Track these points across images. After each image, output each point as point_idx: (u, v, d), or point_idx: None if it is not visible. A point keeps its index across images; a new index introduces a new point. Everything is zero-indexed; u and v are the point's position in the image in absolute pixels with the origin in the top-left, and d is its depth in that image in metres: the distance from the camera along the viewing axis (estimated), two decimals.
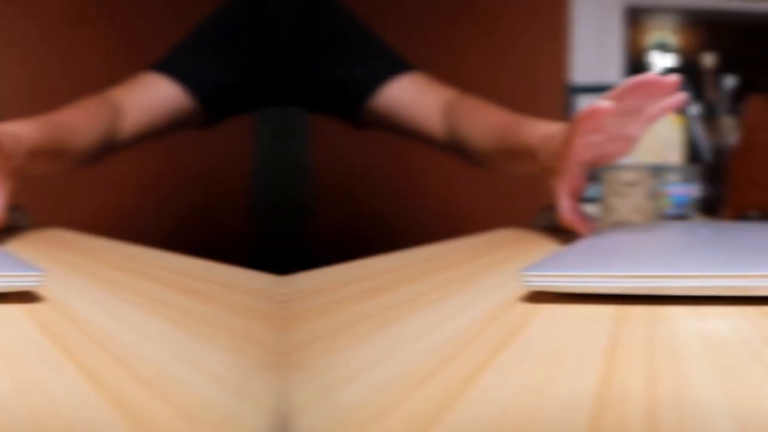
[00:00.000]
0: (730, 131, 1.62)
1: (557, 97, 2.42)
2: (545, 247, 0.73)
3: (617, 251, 0.53)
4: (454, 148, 1.15)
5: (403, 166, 2.48)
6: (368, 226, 2.50)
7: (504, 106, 2.48)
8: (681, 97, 0.79)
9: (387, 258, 0.62)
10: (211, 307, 0.35)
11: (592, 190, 1.46)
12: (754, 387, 0.20)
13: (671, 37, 2.84)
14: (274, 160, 2.26)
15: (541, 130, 0.88)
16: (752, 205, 1.30)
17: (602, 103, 0.70)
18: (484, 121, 1.06)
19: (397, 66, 1.17)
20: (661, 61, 2.85)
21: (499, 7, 2.47)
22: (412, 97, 1.15)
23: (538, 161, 0.87)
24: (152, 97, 1.12)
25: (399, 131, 1.21)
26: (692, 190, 1.29)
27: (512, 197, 2.38)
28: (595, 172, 1.46)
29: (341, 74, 1.15)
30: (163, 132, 1.16)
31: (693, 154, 1.70)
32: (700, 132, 1.72)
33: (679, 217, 1.27)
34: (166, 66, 1.15)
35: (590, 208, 1.25)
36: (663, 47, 2.84)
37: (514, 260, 0.59)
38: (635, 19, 2.73)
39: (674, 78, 0.73)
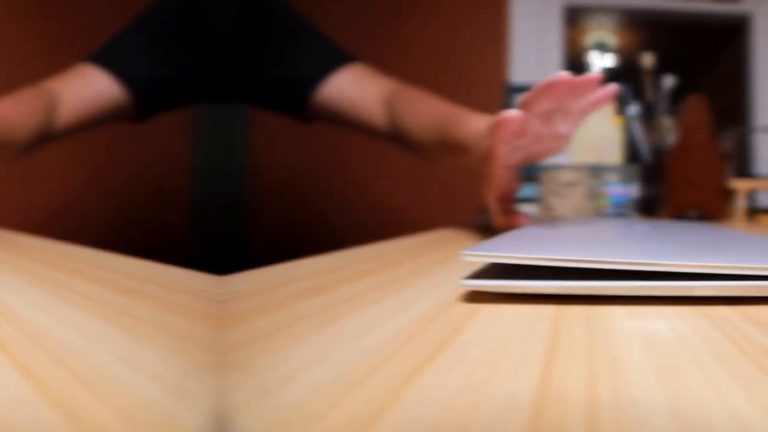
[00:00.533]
0: (669, 131, 1.66)
1: (496, 96, 2.45)
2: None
3: (558, 251, 0.54)
4: (396, 139, 1.16)
5: (344, 165, 2.49)
6: (308, 225, 2.49)
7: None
8: (609, 90, 0.77)
9: (326, 258, 0.61)
10: (150, 307, 0.35)
11: (531, 190, 1.47)
12: (693, 387, 0.20)
13: (610, 37, 2.89)
14: (213, 158, 2.25)
15: (475, 127, 0.87)
16: (690, 205, 1.33)
17: (511, 112, 0.69)
18: (424, 113, 1.06)
19: (338, 58, 1.17)
20: (600, 61, 2.90)
21: (438, 6, 2.49)
22: (353, 89, 1.16)
23: (471, 160, 0.87)
24: (87, 88, 1.09)
25: (343, 124, 1.22)
26: (631, 190, 1.31)
27: (453, 197, 2.40)
28: (534, 173, 1.48)
29: (284, 70, 1.15)
30: (97, 124, 1.14)
31: (632, 154, 1.73)
32: (639, 132, 1.75)
33: (618, 216, 1.29)
34: (102, 58, 1.13)
35: (529, 208, 1.27)
36: (602, 47, 2.88)
37: (454, 260, 0.59)
38: (574, 18, 2.77)
39: (594, 75, 0.72)
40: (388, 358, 0.24)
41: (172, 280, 0.46)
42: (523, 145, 0.75)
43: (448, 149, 0.98)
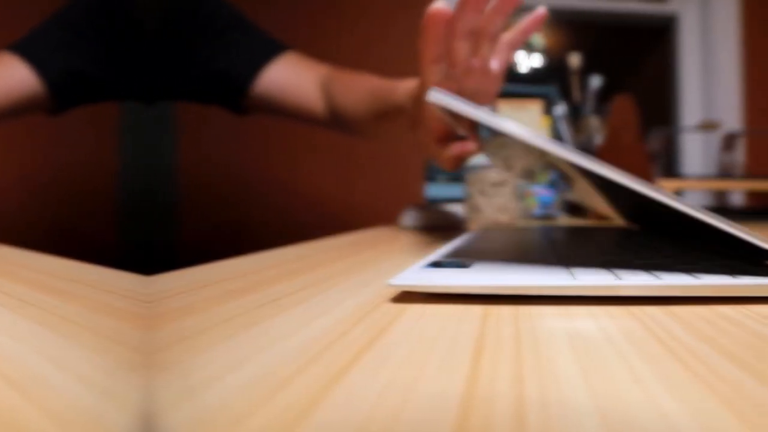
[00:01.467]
0: (596, 131, 1.69)
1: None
2: (412, 246, 0.74)
3: (483, 252, 0.54)
4: (335, 122, 1.17)
5: (272, 164, 2.47)
6: (236, 225, 2.47)
7: None
8: (536, 16, 0.81)
9: (253, 257, 0.61)
10: (77, 307, 0.35)
11: (458, 190, 1.49)
12: (620, 387, 0.20)
13: (537, 37, 2.93)
14: (139, 157, 2.23)
15: (407, 86, 0.89)
16: None
17: (437, 4, 0.72)
18: (358, 89, 1.08)
19: (273, 49, 1.18)
20: (528, 60, 2.94)
21: (367, 5, 2.49)
22: (290, 77, 1.17)
23: (408, 116, 0.88)
24: (3, 77, 1.07)
25: (282, 113, 1.22)
26: (558, 191, 1.33)
27: (383, 195, 2.41)
28: (461, 174, 1.49)
29: (219, 63, 1.15)
30: (12, 113, 1.11)
31: None
32: (566, 132, 1.78)
33: (545, 217, 1.31)
34: (19, 47, 1.11)
35: (456, 208, 1.28)
36: (529, 47, 2.92)
37: (382, 260, 0.60)
38: None
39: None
40: (315, 359, 0.24)
41: (99, 281, 0.46)
42: (454, 75, 0.75)
43: (385, 117, 0.99)
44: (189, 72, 1.15)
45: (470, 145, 0.80)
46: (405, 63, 2.46)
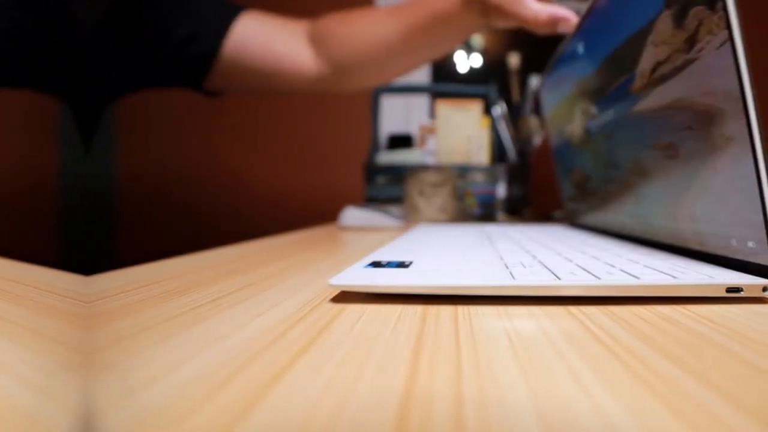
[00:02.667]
0: (535, 131, 1.71)
1: (365, 98, 2.47)
2: (352, 246, 0.74)
3: (423, 251, 0.54)
4: (341, 73, 1.07)
5: (214, 164, 2.45)
6: (177, 225, 2.45)
7: (316, 106, 2.49)
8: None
9: (192, 258, 0.61)
10: (16, 307, 0.35)
11: (397, 190, 1.49)
12: (559, 386, 0.20)
13: (477, 37, 2.95)
14: (79, 160, 2.20)
15: None
16: (556, 205, 1.37)
17: None
18: (375, 20, 1.03)
19: (237, 8, 1.08)
20: (467, 60, 2.96)
21: (307, 9, 2.49)
22: (265, 33, 1.06)
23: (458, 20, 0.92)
24: None
25: (259, 79, 1.09)
26: (497, 191, 1.34)
27: (322, 197, 2.41)
28: (400, 173, 1.49)
29: (182, 30, 1.04)
30: None
31: (498, 154, 1.77)
32: (506, 132, 1.80)
33: (485, 217, 1.31)
34: None
35: (395, 210, 1.28)
36: (468, 47, 2.94)
37: (322, 259, 0.59)
38: None
39: None
40: (254, 359, 0.24)
41: (39, 281, 0.45)
42: None
43: (425, 32, 0.98)
44: (151, 45, 1.05)
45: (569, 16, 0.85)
46: None
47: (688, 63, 0.40)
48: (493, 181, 1.33)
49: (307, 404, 0.19)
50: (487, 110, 1.79)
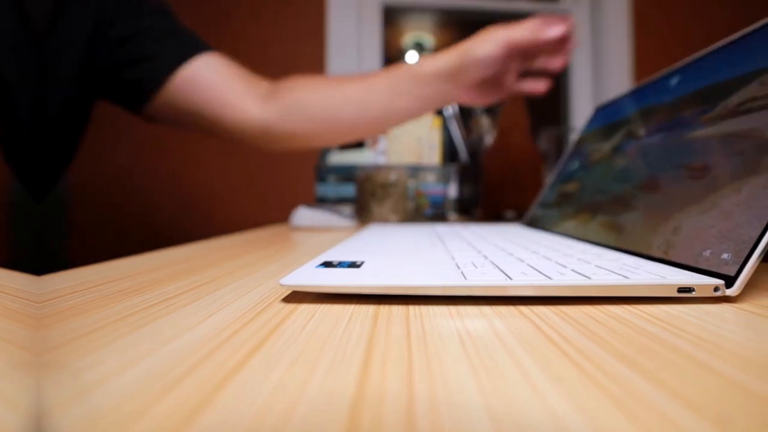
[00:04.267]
0: (487, 131, 1.71)
1: None
2: (304, 246, 0.74)
3: (375, 251, 0.54)
4: (283, 132, 1.06)
5: (164, 165, 2.43)
6: (128, 225, 2.43)
7: None
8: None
9: (144, 258, 0.61)
10: None
11: (349, 190, 1.48)
12: (510, 386, 0.21)
13: (428, 37, 2.96)
14: None
15: (437, 62, 0.99)
16: (508, 205, 1.38)
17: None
18: (351, 81, 1.05)
19: (198, 46, 1.07)
20: None
21: (262, 6, 2.48)
22: (219, 78, 1.04)
23: (450, 66, 0.98)
24: None
25: (197, 121, 1.07)
26: (449, 190, 1.35)
27: (273, 197, 2.40)
28: (351, 173, 1.49)
29: (137, 49, 1.02)
30: None
31: (450, 154, 1.78)
32: (457, 132, 1.81)
33: (437, 216, 1.32)
34: None
35: (346, 210, 1.28)
36: (420, 47, 2.95)
37: (273, 259, 0.59)
38: (392, 18, 2.82)
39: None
40: (204, 359, 0.24)
41: None
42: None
43: (404, 93, 1.02)
44: (101, 53, 1.03)
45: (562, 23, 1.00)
46: (295, 70, 2.47)
47: None
48: (445, 181, 1.33)
49: (258, 405, 0.19)
50: (439, 110, 1.79)
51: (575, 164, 0.83)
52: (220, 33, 2.46)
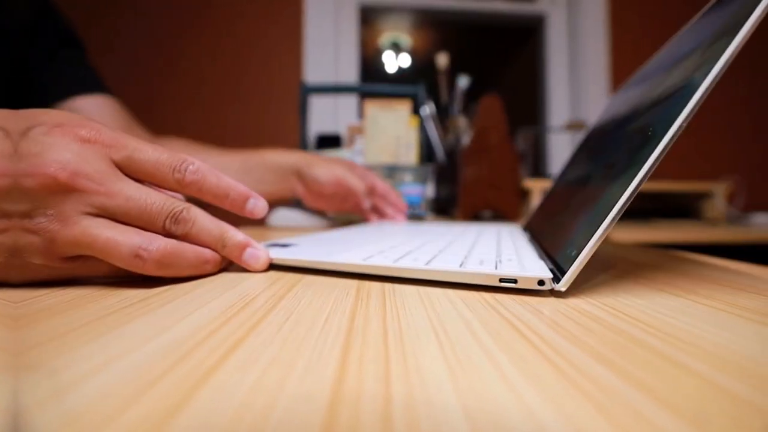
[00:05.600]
0: (464, 131, 1.72)
1: (294, 96, 2.46)
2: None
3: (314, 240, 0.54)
4: None
5: None
6: None
7: (245, 106, 2.47)
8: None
9: None
10: None
11: None
12: (486, 385, 0.20)
13: (405, 37, 2.96)
14: None
15: (288, 157, 1.16)
16: (485, 205, 1.38)
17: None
18: (214, 150, 1.17)
19: (97, 84, 1.07)
20: (395, 61, 2.97)
21: (241, 8, 2.48)
22: (100, 118, 1.03)
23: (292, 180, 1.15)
24: None
25: None
26: (426, 191, 1.35)
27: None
28: None
29: (33, 74, 1.02)
30: None
31: (427, 154, 1.78)
32: (434, 132, 1.81)
33: (413, 216, 1.32)
34: None
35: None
36: (397, 47, 2.95)
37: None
38: (369, 18, 2.82)
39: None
40: (182, 359, 0.24)
41: None
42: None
43: (252, 172, 1.15)
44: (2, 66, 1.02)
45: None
46: (273, 70, 2.46)
47: (677, 90, 0.40)
48: (422, 181, 1.33)
49: (236, 404, 0.19)
50: (416, 110, 1.79)
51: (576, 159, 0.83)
52: (197, 34, 2.45)
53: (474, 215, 1.40)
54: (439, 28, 2.96)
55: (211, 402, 0.19)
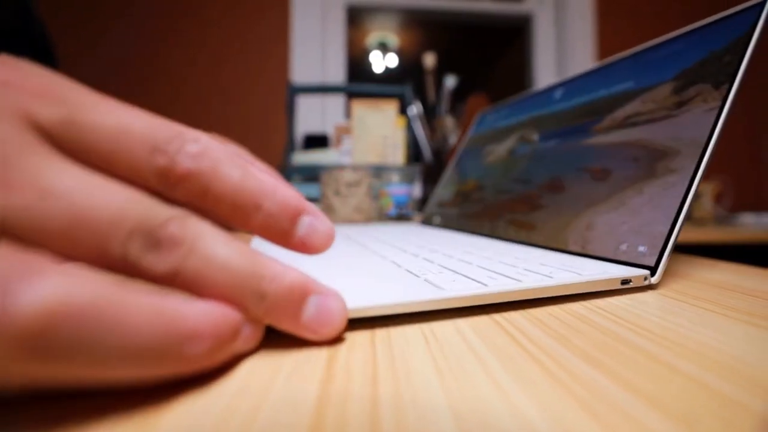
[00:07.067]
0: (451, 131, 1.72)
1: (281, 96, 2.46)
2: (268, 248, 0.73)
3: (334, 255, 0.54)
4: None
5: None
6: None
7: (232, 106, 2.47)
8: None
9: None
10: None
11: (313, 190, 1.48)
12: (475, 387, 0.20)
13: (392, 37, 2.96)
14: None
15: None
16: None
17: None
18: None
19: None
20: (383, 60, 2.97)
21: (227, 6, 2.47)
22: None
23: None
24: None
25: None
26: (413, 190, 1.34)
27: None
28: (316, 173, 1.48)
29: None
30: None
31: (414, 154, 1.78)
32: (421, 132, 1.81)
33: (400, 216, 1.32)
34: None
35: None
36: (384, 47, 2.95)
37: None
38: (356, 18, 2.82)
39: None
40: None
41: None
42: None
43: None
44: None
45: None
46: (259, 70, 2.45)
47: (666, 117, 0.49)
48: (409, 180, 1.33)
49: (221, 407, 0.19)
50: (403, 110, 1.79)
51: (468, 164, 0.86)
52: (184, 33, 2.44)
53: None
54: (426, 28, 2.96)
55: (197, 404, 0.19)
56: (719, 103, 0.44)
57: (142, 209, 0.22)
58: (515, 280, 0.37)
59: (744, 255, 1.49)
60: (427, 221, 0.92)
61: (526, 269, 0.41)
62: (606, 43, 2.68)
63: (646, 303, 0.35)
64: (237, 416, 0.18)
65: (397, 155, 1.56)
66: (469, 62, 2.96)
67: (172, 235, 0.22)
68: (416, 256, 0.51)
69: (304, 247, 0.28)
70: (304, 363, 0.23)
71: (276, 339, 0.27)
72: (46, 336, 0.17)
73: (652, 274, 0.40)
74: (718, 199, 2.55)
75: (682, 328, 0.28)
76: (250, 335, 0.24)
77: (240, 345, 0.23)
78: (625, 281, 0.39)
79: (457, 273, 0.41)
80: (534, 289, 0.35)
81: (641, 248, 0.42)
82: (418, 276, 0.41)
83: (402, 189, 1.32)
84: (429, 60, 1.95)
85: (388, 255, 0.53)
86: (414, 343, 0.26)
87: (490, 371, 0.22)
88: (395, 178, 1.33)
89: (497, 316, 0.32)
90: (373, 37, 2.93)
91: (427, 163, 1.76)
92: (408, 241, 0.66)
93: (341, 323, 0.26)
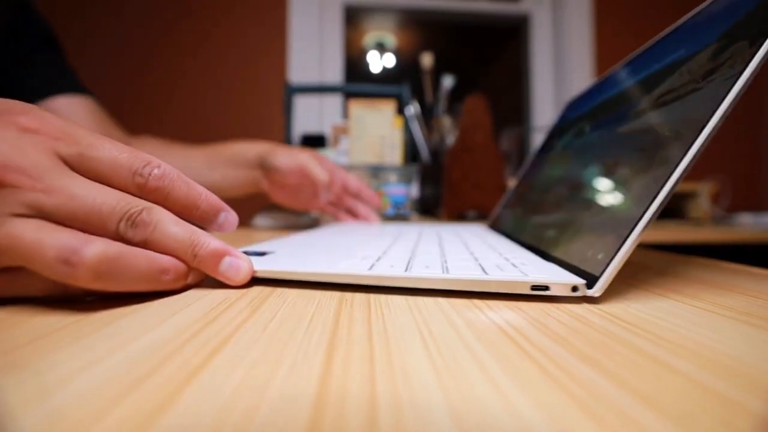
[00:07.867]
0: (449, 131, 1.72)
1: (278, 95, 2.46)
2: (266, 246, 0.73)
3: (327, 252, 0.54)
4: None
5: None
6: None
7: (229, 106, 2.47)
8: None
9: None
10: None
11: None
12: (473, 386, 0.20)
13: (390, 37, 2.96)
14: None
15: (255, 147, 1.15)
16: (470, 205, 1.38)
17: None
18: (191, 153, 1.17)
19: (69, 85, 1.07)
20: (380, 60, 2.97)
21: (226, 6, 2.47)
22: (74, 117, 1.04)
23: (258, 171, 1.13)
24: None
25: None
26: (411, 191, 1.34)
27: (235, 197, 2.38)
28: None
29: (11, 73, 1.02)
30: None
31: (412, 154, 1.78)
32: (419, 132, 1.81)
33: (398, 216, 1.32)
34: None
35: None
36: (381, 47, 2.95)
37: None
38: (354, 18, 2.82)
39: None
40: (167, 359, 0.24)
41: None
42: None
43: (225, 164, 1.16)
44: None
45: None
46: (257, 69, 2.45)
47: (691, 92, 0.40)
48: (407, 181, 1.33)
49: (220, 405, 0.19)
50: (400, 110, 1.79)
51: (537, 163, 0.84)
52: (180, 33, 2.44)
53: (459, 215, 1.40)
54: (423, 28, 2.95)
55: (195, 402, 0.19)
56: (742, 68, 0.34)
57: (125, 204, 0.37)
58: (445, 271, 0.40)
59: (741, 255, 1.49)
60: (493, 225, 0.91)
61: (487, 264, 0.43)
62: (604, 43, 2.68)
63: (645, 303, 0.35)
64: (235, 414, 0.18)
65: (395, 155, 1.56)
66: (466, 62, 2.96)
67: (142, 220, 0.38)
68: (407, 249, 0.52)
69: (221, 229, 0.46)
70: (302, 361, 0.23)
71: (275, 338, 0.27)
72: (100, 269, 0.33)
73: (590, 285, 0.36)
74: (715, 199, 2.56)
75: (680, 328, 0.28)
76: (194, 276, 0.41)
77: (190, 280, 0.41)
78: (538, 287, 0.36)
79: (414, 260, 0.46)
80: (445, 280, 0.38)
81: (600, 255, 0.38)
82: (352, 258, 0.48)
83: (400, 189, 1.32)
84: (426, 60, 1.95)
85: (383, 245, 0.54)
86: (411, 341, 0.26)
87: (486, 369, 0.22)
88: (393, 178, 1.33)
89: (490, 313, 0.32)
90: (370, 37, 2.93)
91: (424, 163, 1.76)
92: (407, 236, 0.66)
93: (246, 276, 0.42)
